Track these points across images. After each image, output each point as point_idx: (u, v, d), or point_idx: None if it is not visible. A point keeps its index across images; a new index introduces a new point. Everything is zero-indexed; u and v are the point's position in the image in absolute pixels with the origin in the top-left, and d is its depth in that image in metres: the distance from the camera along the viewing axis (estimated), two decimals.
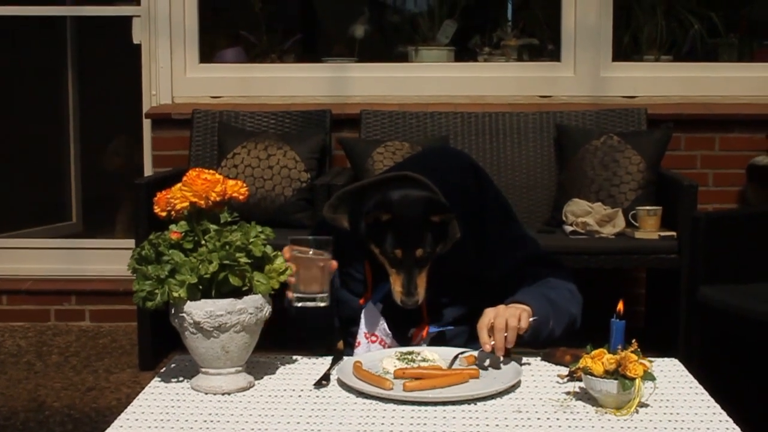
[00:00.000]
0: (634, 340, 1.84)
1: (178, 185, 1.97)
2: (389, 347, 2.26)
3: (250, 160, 4.32)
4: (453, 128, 4.52)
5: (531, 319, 2.09)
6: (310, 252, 2.09)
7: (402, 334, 2.27)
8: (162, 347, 4.10)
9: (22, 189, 5.58)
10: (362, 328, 2.30)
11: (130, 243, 4.19)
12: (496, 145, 4.48)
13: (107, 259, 4.95)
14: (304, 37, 5.79)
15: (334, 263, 2.13)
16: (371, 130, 4.51)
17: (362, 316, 2.29)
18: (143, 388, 1.99)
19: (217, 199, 1.97)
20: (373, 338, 2.29)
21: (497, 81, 4.89)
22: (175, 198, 1.96)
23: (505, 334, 2.04)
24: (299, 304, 2.10)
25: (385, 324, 2.28)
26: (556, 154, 4.45)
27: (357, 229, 2.25)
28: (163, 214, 1.99)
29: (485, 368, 2.02)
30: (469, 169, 2.36)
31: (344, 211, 2.30)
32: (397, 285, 2.19)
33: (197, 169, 1.99)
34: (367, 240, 2.23)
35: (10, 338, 4.58)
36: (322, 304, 2.11)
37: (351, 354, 2.29)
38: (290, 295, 2.11)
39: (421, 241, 2.18)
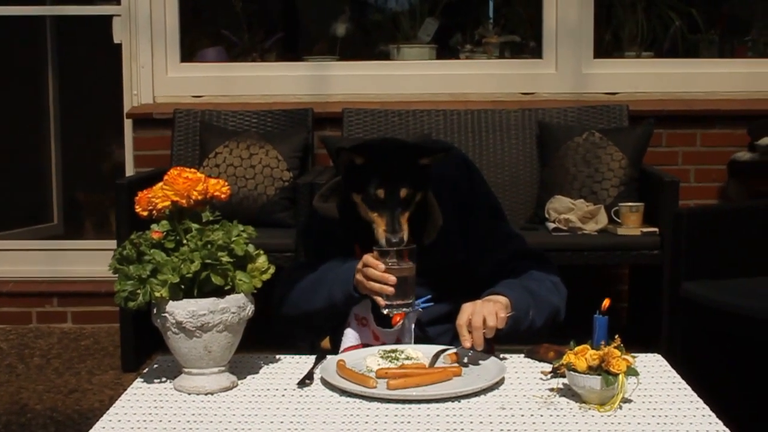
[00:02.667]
0: (617, 336, 1.84)
1: (160, 184, 1.96)
2: (372, 331, 2.27)
3: (232, 160, 4.31)
4: (435, 126, 4.52)
5: (508, 314, 2.09)
6: (398, 263, 2.13)
7: (385, 317, 2.26)
8: (145, 348, 4.09)
9: (3, 190, 5.54)
10: (354, 310, 2.30)
11: (112, 244, 4.18)
12: (478, 142, 4.48)
13: (89, 260, 4.92)
14: (286, 36, 5.78)
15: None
16: (353, 128, 4.51)
17: None
18: (126, 390, 1.98)
19: (199, 198, 1.96)
20: (364, 321, 2.29)
21: (479, 78, 4.90)
22: (157, 197, 1.95)
23: (484, 331, 2.04)
24: (389, 311, 2.16)
25: (369, 307, 2.27)
26: (539, 151, 4.46)
27: (347, 216, 2.25)
28: (145, 213, 1.97)
29: (467, 365, 2.01)
30: (460, 163, 2.37)
31: (334, 201, 2.31)
32: (380, 225, 2.18)
33: (178, 168, 1.98)
34: (349, 189, 2.23)
35: None
36: (409, 310, 2.18)
37: (337, 351, 2.28)
38: (382, 303, 2.15)
39: (403, 181, 2.18)
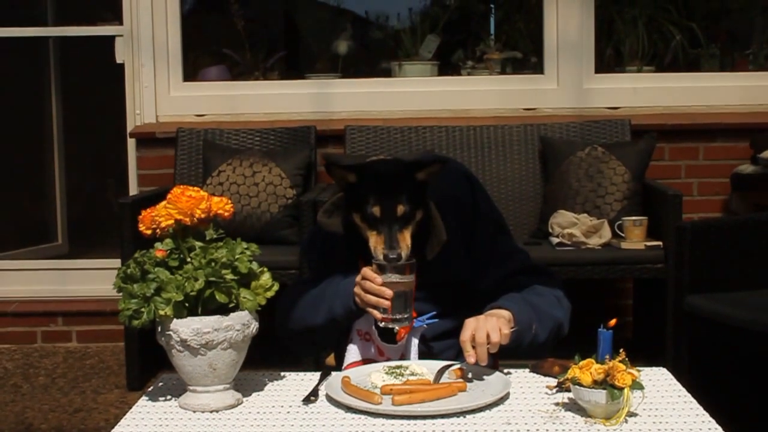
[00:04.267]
0: (621, 350, 1.84)
1: (163, 203, 1.97)
2: (376, 346, 2.26)
3: (235, 178, 4.32)
4: (437, 142, 4.53)
5: (511, 330, 2.08)
6: (396, 276, 2.11)
7: (389, 332, 2.26)
8: (150, 367, 4.09)
9: (7, 210, 5.56)
10: (356, 326, 2.30)
11: (117, 263, 4.18)
12: (480, 158, 4.49)
13: (93, 279, 4.93)
14: (288, 54, 5.80)
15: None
16: (356, 145, 4.52)
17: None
18: (131, 408, 1.98)
19: (202, 216, 1.97)
20: (367, 336, 2.29)
21: (481, 94, 4.91)
22: (160, 216, 1.95)
23: (488, 346, 2.03)
24: (387, 325, 2.15)
25: (374, 322, 2.27)
26: (541, 166, 4.47)
27: (350, 232, 2.25)
28: (148, 232, 1.98)
29: (471, 380, 2.01)
30: (462, 178, 2.37)
31: (338, 217, 2.31)
32: (378, 243, 2.16)
33: (182, 187, 1.98)
34: (350, 210, 2.23)
35: None
36: (407, 324, 2.16)
37: (341, 368, 2.28)
38: (379, 316, 2.14)
39: (399, 197, 2.16)
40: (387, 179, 2.20)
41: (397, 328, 2.17)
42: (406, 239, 2.16)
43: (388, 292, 2.11)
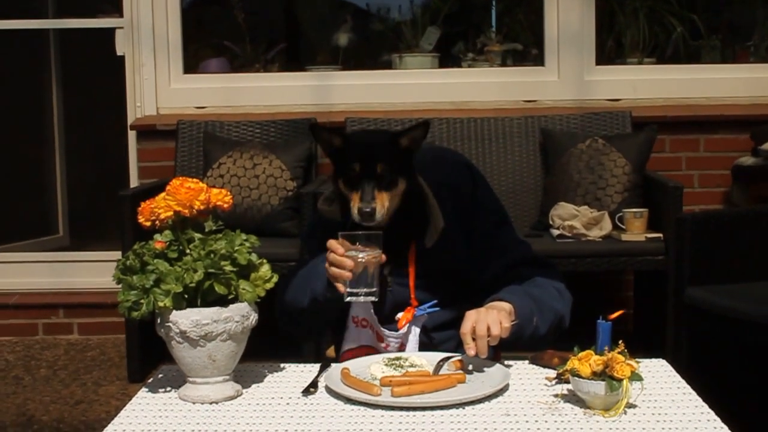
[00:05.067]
0: (620, 341, 1.84)
1: (162, 194, 1.97)
2: (375, 332, 2.26)
3: (236, 170, 4.32)
4: (438, 134, 4.52)
5: (512, 323, 2.08)
6: (361, 249, 2.08)
7: (390, 320, 2.26)
8: (151, 359, 4.09)
9: (8, 203, 5.56)
10: (352, 312, 2.29)
11: (117, 255, 4.18)
12: (481, 150, 4.49)
13: (94, 271, 4.93)
14: (288, 46, 5.79)
15: (383, 257, 2.12)
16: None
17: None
18: (131, 400, 1.98)
19: (201, 207, 1.97)
20: (364, 323, 2.29)
21: (481, 86, 4.90)
22: (159, 207, 1.95)
23: (488, 339, 2.03)
24: (351, 299, 2.11)
25: (372, 309, 2.27)
26: (542, 158, 4.46)
27: (349, 220, 2.25)
28: (148, 223, 1.98)
29: (471, 372, 2.01)
30: (463, 167, 2.37)
31: (338, 205, 2.31)
32: (355, 201, 2.16)
33: (181, 178, 1.98)
34: (336, 177, 2.24)
35: None
36: (372, 299, 2.12)
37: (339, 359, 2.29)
38: (342, 289, 2.10)
39: (380, 157, 2.17)
40: (370, 141, 2.24)
41: (361, 300, 2.12)
42: (383, 199, 2.17)
43: (349, 263, 2.07)
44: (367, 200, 2.15)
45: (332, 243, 2.11)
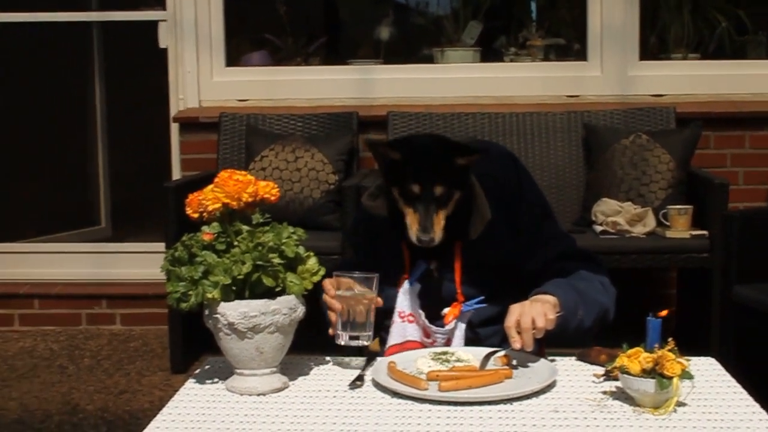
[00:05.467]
0: (670, 339, 1.83)
1: (210, 186, 1.97)
2: (422, 327, 2.26)
3: (278, 163, 4.33)
4: (480, 129, 4.50)
5: (557, 314, 2.07)
6: (356, 289, 2.07)
7: (436, 315, 2.26)
8: (193, 350, 4.12)
9: (52, 194, 5.61)
10: (398, 307, 2.29)
11: (159, 246, 4.21)
12: (523, 145, 4.46)
13: (136, 263, 4.97)
14: (329, 40, 5.79)
15: (379, 300, 2.11)
16: (398, 131, 4.51)
17: (399, 295, 2.29)
18: (175, 391, 1.99)
19: (249, 200, 1.97)
20: (410, 318, 2.29)
21: (524, 81, 4.88)
22: (207, 199, 1.96)
23: (533, 332, 2.03)
24: (339, 341, 2.08)
25: (419, 304, 2.27)
26: (585, 153, 4.43)
27: (395, 215, 2.25)
28: (195, 215, 1.99)
29: (517, 367, 2.00)
30: (507, 161, 2.36)
31: (383, 200, 2.31)
32: (413, 223, 2.18)
33: (229, 171, 1.99)
34: (389, 184, 2.24)
35: (42, 342, 4.62)
36: (366, 343, 2.09)
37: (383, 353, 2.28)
38: (331, 332, 2.10)
39: (439, 178, 2.17)
40: (429, 159, 2.21)
41: (351, 344, 2.07)
42: (440, 222, 2.18)
43: (337, 306, 2.06)
44: (427, 227, 2.16)
45: (325, 283, 2.10)
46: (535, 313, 2.04)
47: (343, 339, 2.08)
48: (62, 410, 3.68)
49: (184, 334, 4.08)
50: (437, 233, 2.17)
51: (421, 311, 2.27)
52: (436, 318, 2.26)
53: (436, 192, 2.17)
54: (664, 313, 1.88)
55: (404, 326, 2.31)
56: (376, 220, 2.33)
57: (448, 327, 2.24)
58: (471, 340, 2.25)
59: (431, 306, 2.27)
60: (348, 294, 2.07)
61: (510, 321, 2.05)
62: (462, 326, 2.26)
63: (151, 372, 4.14)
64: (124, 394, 3.86)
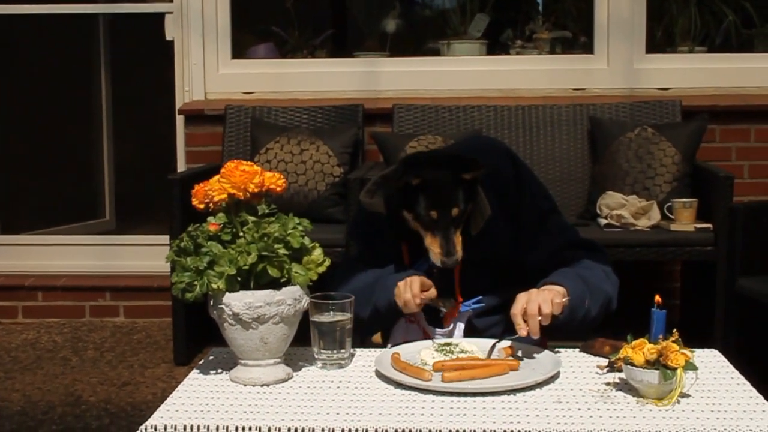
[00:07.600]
0: (675, 330, 1.83)
1: (216, 177, 1.97)
2: (422, 329, 2.27)
3: (283, 155, 4.33)
4: (486, 122, 4.50)
5: (564, 299, 2.07)
6: (331, 314, 2.04)
7: (436, 315, 2.26)
8: (196, 342, 4.12)
9: (56, 186, 5.62)
10: None
11: (163, 239, 4.22)
12: (529, 138, 4.46)
13: (140, 255, 4.98)
14: (336, 33, 5.79)
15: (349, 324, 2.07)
16: (404, 124, 4.50)
17: None
18: (178, 383, 1.99)
19: (255, 190, 1.97)
20: (412, 318, 2.29)
21: (530, 74, 4.87)
22: (213, 190, 1.96)
23: (539, 318, 2.03)
24: (320, 365, 2.04)
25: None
26: (590, 146, 4.43)
27: (393, 212, 2.25)
28: (201, 206, 1.99)
29: (521, 359, 2.00)
30: (505, 156, 2.36)
31: (381, 197, 2.31)
32: (435, 247, 2.20)
33: (235, 161, 1.99)
34: (401, 207, 2.24)
35: (46, 334, 4.63)
36: (339, 363, 2.04)
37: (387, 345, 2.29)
38: (315, 355, 2.07)
39: (455, 200, 2.19)
40: (444, 183, 2.21)
41: (329, 368, 2.03)
42: (459, 241, 2.21)
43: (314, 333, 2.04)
44: (450, 251, 2.19)
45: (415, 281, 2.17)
46: (541, 299, 2.05)
47: (329, 362, 2.04)
48: (65, 402, 3.69)
49: (188, 327, 4.08)
50: (459, 252, 2.20)
51: (421, 313, 2.27)
52: (436, 318, 2.27)
53: (453, 214, 2.19)
54: (658, 298, 1.89)
55: (407, 326, 2.32)
56: (374, 218, 2.32)
57: (446, 329, 2.26)
58: (468, 331, 2.26)
59: (431, 306, 2.28)
60: (324, 320, 2.03)
61: (516, 308, 2.05)
62: (461, 326, 2.27)
63: (155, 364, 4.14)
64: (127, 386, 3.86)
